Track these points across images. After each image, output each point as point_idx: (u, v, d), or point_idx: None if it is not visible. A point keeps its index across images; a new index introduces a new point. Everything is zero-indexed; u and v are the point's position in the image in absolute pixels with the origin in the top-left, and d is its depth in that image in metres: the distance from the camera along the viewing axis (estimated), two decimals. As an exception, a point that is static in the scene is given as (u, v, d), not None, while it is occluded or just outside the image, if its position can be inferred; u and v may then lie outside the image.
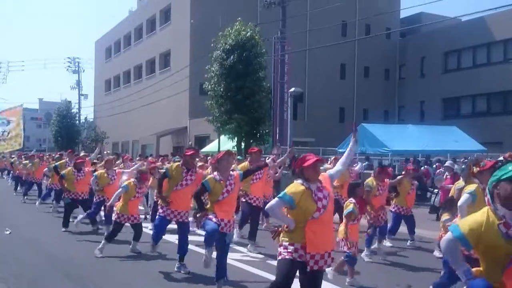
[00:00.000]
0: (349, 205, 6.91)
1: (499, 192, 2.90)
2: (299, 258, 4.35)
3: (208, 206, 6.07)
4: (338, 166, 4.90)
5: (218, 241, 5.94)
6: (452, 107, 34.94)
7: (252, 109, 20.64)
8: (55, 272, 7.42)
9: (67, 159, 14.46)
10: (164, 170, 7.71)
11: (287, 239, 4.43)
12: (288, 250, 4.38)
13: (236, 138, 21.39)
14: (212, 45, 21.74)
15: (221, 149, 22.05)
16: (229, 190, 5.98)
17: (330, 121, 34.56)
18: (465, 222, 3.02)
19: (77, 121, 48.18)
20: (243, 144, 21.17)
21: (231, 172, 6.22)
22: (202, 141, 31.16)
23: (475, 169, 5.93)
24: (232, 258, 8.14)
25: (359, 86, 38.22)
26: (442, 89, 34.45)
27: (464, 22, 33.31)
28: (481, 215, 2.95)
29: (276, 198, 4.47)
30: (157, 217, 7.58)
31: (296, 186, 4.44)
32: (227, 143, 22.85)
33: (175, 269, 7.29)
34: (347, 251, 6.73)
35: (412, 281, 7.29)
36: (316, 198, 4.36)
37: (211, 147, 26.76)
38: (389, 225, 9.26)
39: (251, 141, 21.35)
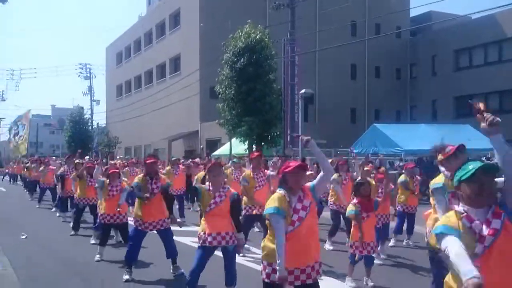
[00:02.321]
0: (350, 207, 6.87)
1: (461, 194, 2.76)
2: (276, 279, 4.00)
3: (202, 222, 5.97)
4: (320, 175, 4.32)
5: (223, 252, 5.93)
6: (464, 106, 34.58)
7: (263, 112, 20.63)
8: (71, 276, 7.50)
9: (65, 166, 13.76)
10: (133, 185, 7.35)
11: (265, 257, 4.14)
12: (266, 271, 4.11)
13: (247, 141, 21.40)
14: (222, 48, 21.80)
15: (232, 152, 22.10)
16: (217, 202, 5.77)
17: (341, 122, 34.49)
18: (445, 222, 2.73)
19: (90, 127, 48.57)
20: (254, 146, 21.17)
21: (225, 186, 6.04)
22: (213, 144, 31.23)
23: (440, 157, 5.28)
24: (245, 259, 8.19)
25: (370, 86, 38.07)
26: (454, 87, 34.21)
27: (474, 20, 33.05)
28: (453, 217, 2.73)
29: (273, 216, 4.01)
30: (132, 228, 7.38)
31: (277, 197, 4.09)
32: (238, 146, 22.87)
33: (171, 271, 7.35)
34: (351, 252, 6.73)
35: (421, 281, 7.26)
36: (293, 210, 4.01)
37: (222, 150, 26.82)
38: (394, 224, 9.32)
39: (263, 143, 21.34)
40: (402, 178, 9.96)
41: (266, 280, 4.12)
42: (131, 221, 8.51)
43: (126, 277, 7.05)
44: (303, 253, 4.05)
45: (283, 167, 4.19)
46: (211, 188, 5.83)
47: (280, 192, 4.11)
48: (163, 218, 7.20)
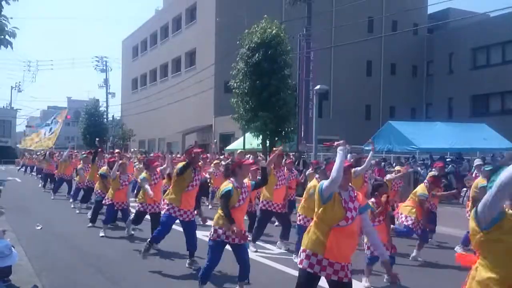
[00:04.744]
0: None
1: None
2: (319, 271, 4.17)
3: (218, 215, 5.86)
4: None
5: (235, 251, 5.87)
6: (481, 104, 34.23)
7: (277, 107, 20.59)
8: (86, 266, 7.58)
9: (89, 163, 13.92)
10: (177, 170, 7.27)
11: (310, 246, 4.25)
12: (311, 261, 4.19)
13: (261, 136, 21.38)
14: (238, 42, 21.78)
15: (246, 147, 22.12)
16: (244, 197, 5.81)
17: (356, 119, 34.29)
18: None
19: (105, 119, 48.91)
20: (268, 142, 21.16)
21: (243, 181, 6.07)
22: (227, 138, 31.29)
23: None
24: (258, 255, 8.21)
25: (385, 83, 37.79)
26: (470, 85, 33.76)
27: (492, 18, 32.57)
28: None
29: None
30: (163, 214, 7.40)
31: None
32: (252, 141, 22.87)
33: (186, 265, 7.39)
34: (368, 254, 6.71)
35: (442, 281, 7.22)
36: (347, 207, 4.20)
37: (236, 144, 26.86)
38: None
39: (276, 139, 21.32)
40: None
41: (309, 270, 4.17)
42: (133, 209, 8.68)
43: (142, 249, 7.34)
44: (348, 249, 4.24)
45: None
46: (237, 184, 5.83)
47: None
48: (192, 209, 7.38)
